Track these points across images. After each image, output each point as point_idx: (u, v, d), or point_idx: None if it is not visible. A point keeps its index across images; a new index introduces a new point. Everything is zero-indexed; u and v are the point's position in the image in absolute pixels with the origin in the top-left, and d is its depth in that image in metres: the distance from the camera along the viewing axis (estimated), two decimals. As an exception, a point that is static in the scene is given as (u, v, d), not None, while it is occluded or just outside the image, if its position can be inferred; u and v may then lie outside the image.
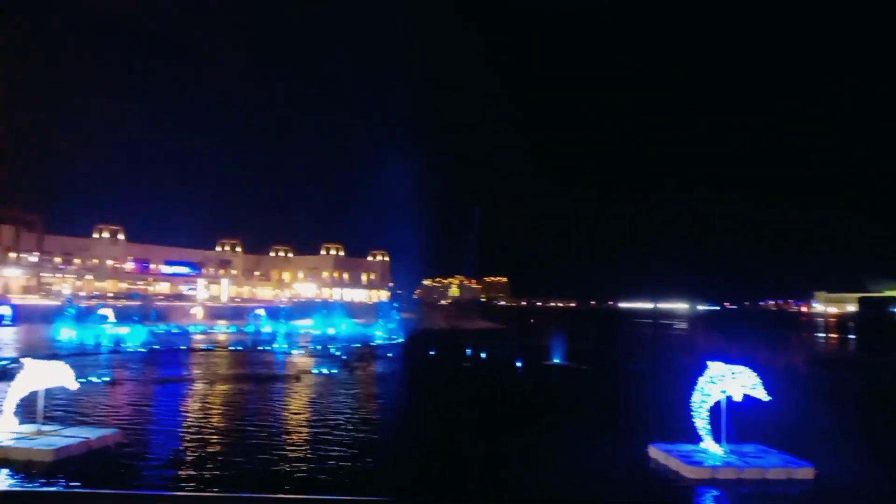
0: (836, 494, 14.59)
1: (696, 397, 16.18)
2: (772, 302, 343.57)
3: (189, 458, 15.90)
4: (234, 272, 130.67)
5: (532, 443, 18.77)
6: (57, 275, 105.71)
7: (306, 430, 19.90)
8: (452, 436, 19.74)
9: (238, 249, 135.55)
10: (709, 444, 16.05)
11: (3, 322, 64.61)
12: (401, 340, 57.13)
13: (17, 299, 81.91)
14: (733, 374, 15.89)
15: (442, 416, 23.01)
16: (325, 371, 33.22)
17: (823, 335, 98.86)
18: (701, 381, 16.16)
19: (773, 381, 16.32)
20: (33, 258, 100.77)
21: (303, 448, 17.41)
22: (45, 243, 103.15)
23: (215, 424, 20.34)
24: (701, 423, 16.12)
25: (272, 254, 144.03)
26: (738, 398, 15.79)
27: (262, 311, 78.78)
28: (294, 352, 44.67)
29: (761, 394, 15.70)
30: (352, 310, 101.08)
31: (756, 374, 16.22)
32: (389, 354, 45.61)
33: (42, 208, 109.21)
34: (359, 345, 51.32)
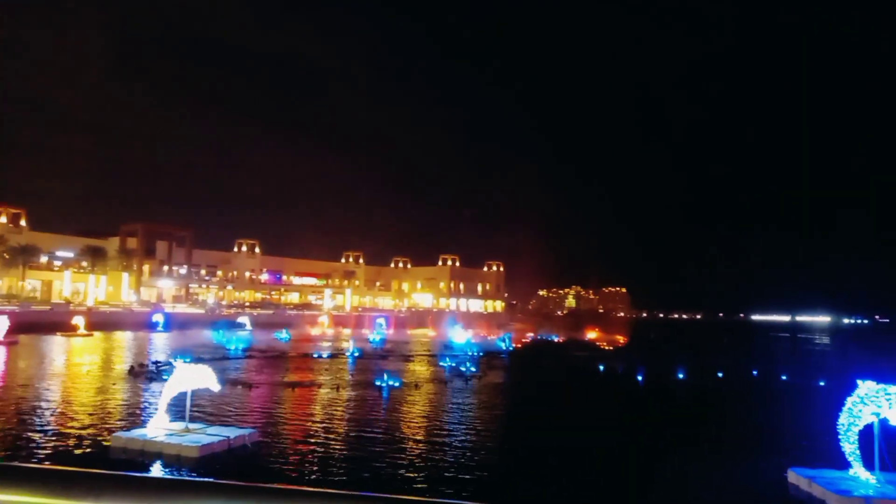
0: None
1: (843, 419, 14.69)
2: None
3: (313, 458, 16.78)
4: (357, 282, 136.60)
5: (662, 464, 17.92)
6: (203, 285, 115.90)
7: (420, 436, 20.34)
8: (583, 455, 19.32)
9: (360, 261, 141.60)
10: (859, 471, 14.52)
11: (158, 328, 71.56)
12: (511, 350, 56.82)
13: (168, 307, 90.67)
14: (888, 394, 14.30)
15: (556, 438, 22.58)
16: (442, 380, 33.76)
17: None
18: (850, 401, 14.68)
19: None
20: (183, 270, 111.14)
21: (415, 453, 17.82)
22: (193, 257, 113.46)
23: (340, 426, 21.29)
24: (849, 447, 14.63)
25: (392, 265, 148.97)
26: (894, 421, 14.18)
27: (382, 320, 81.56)
28: (413, 360, 45.80)
29: (921, 417, 14.01)
30: (468, 319, 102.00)
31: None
32: (502, 365, 45.48)
33: (191, 225, 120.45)
34: (474, 354, 51.65)
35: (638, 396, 32.82)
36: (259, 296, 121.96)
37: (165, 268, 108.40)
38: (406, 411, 25.31)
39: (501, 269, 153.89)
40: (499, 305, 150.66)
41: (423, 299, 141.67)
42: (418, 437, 20.20)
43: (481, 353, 52.57)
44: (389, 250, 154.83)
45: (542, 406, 28.98)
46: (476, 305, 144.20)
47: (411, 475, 15.71)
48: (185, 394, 18.05)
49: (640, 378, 37.70)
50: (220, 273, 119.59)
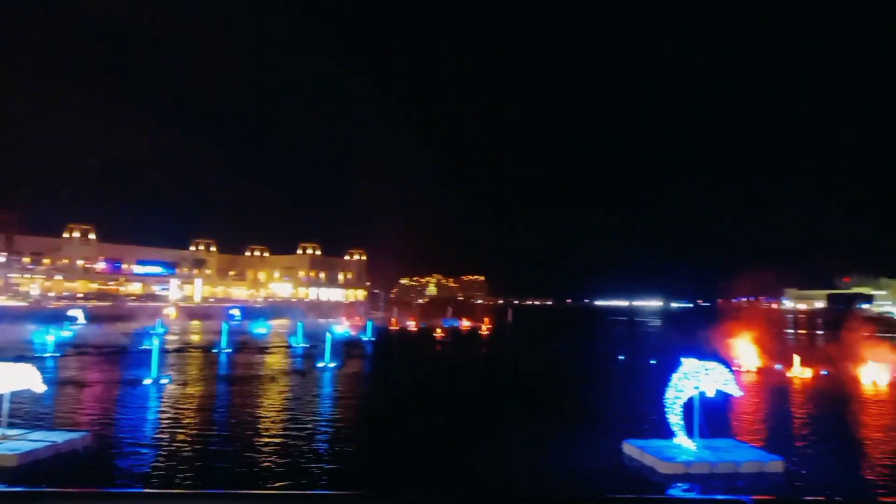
0: (805, 486, 14.86)
1: (669, 393, 16.35)
2: (744, 299, 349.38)
3: (156, 461, 15.64)
4: (208, 272, 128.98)
5: (507, 440, 18.78)
6: (26, 275, 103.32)
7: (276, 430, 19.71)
8: (444, 433, 19.69)
9: (212, 249, 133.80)
10: (682, 440, 16.22)
11: (-31, 324, 62.82)
12: (371, 340, 56.80)
13: (-18, 300, 79.84)
14: (706, 370, 16.10)
15: (406, 415, 22.93)
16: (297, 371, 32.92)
17: (792, 331, 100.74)
18: (674, 377, 16.34)
19: (744, 378, 16.57)
20: (1, 258, 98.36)
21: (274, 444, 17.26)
22: (14, 243, 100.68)
23: (187, 426, 20.00)
24: (674, 419, 16.29)
25: (247, 253, 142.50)
26: (710, 394, 16.01)
27: (236, 312, 77.91)
28: (269, 352, 44.19)
29: (734, 389, 15.94)
30: (328, 309, 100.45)
31: (728, 370, 16.47)
32: (359, 354, 45.30)
33: (14, 207, 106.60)
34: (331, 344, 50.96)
35: (490, 377, 34.20)
36: (95, 286, 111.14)
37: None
38: (260, 405, 24.36)
39: (363, 257, 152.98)
40: (360, 294, 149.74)
41: (282, 289, 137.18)
42: (271, 431, 19.52)
43: (343, 343, 51.97)
44: (245, 238, 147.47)
45: (402, 393, 29.25)
46: (337, 294, 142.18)
47: (263, 472, 15.15)
48: (1, 397, 15.98)
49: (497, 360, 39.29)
50: (47, 261, 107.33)
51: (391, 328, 64.74)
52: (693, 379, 16.07)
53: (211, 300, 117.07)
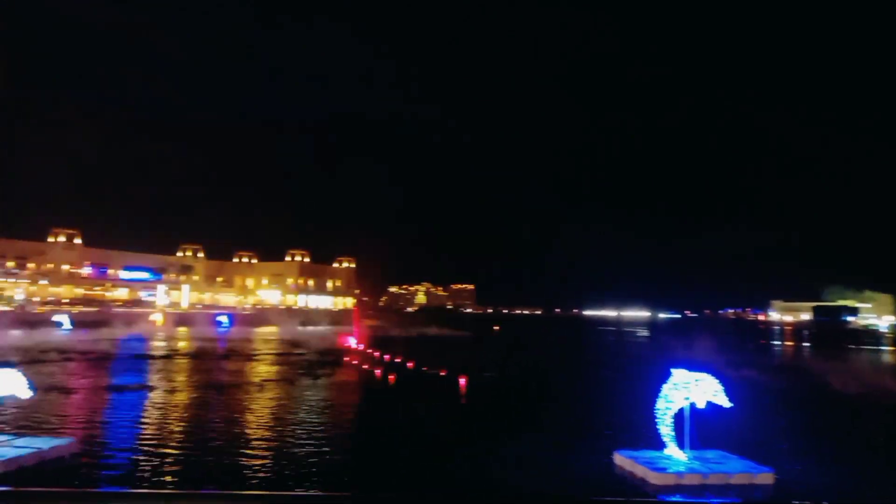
0: (796, 497, 14.92)
1: (660, 404, 16.38)
2: (731, 310, 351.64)
3: (143, 468, 15.44)
4: (195, 278, 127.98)
5: (497, 451, 18.72)
6: (10, 279, 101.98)
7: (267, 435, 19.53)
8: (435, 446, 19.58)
9: (200, 255, 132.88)
10: (673, 451, 16.25)
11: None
12: (359, 348, 56.57)
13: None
14: (696, 381, 16.15)
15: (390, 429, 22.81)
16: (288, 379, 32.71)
17: (779, 342, 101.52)
18: (665, 388, 16.37)
19: (733, 388, 16.64)
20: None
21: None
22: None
23: (176, 432, 19.77)
24: (665, 429, 16.32)
25: (235, 260, 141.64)
26: (701, 405, 16.06)
27: (224, 318, 77.41)
28: (258, 359, 43.88)
29: (723, 400, 15.99)
30: (316, 316, 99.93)
31: (718, 380, 16.54)
32: (348, 363, 45.10)
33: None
34: (320, 352, 50.71)
35: (481, 388, 34.11)
36: (80, 292, 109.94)
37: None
38: (249, 413, 24.15)
39: (352, 265, 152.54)
40: (349, 302, 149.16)
41: (270, 296, 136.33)
42: (258, 439, 19.34)
43: (328, 352, 51.71)
44: (232, 244, 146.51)
45: (393, 401, 29.09)
46: (326, 302, 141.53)
47: (252, 478, 14.99)
48: (-15, 403, 15.74)
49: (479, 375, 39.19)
50: (31, 266, 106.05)
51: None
52: (683, 389, 16.12)
53: (198, 306, 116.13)
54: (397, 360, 43.16)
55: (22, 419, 19.95)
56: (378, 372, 36.76)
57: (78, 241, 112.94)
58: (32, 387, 16.36)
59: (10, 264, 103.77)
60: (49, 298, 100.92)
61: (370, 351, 50.61)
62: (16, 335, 51.48)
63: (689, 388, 16.09)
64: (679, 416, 16.31)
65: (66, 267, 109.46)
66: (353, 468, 16.84)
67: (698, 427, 16.37)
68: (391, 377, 35.45)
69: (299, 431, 20.46)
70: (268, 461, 16.76)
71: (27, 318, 69.85)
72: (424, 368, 38.98)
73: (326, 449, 18.40)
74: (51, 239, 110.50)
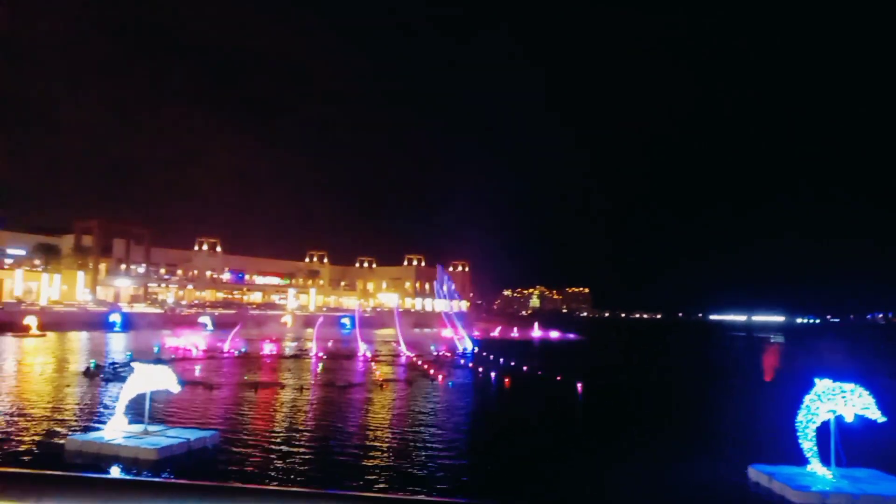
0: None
1: (801, 416, 15.07)
2: (881, 315, 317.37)
3: (276, 460, 16.47)
4: (321, 282, 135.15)
5: (611, 464, 18.11)
6: (162, 284, 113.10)
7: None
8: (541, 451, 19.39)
9: (325, 260, 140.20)
10: (816, 468, 14.91)
11: (115, 328, 69.53)
12: (474, 350, 56.95)
13: (126, 307, 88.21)
14: (843, 392, 14.73)
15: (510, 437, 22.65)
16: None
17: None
18: (807, 399, 15.06)
19: (887, 401, 15.03)
20: (141, 269, 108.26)
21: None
22: (151, 255, 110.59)
23: (304, 428, 20.94)
24: (807, 444, 15.01)
25: (357, 264, 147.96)
26: (849, 418, 14.60)
27: (346, 320, 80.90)
28: (378, 360, 45.51)
29: (875, 414, 14.45)
30: (431, 319, 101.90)
31: (869, 392, 14.99)
32: (463, 365, 45.55)
33: (150, 222, 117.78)
34: (438, 354, 51.59)
35: (600, 398, 33.21)
36: (221, 295, 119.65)
37: (123, 266, 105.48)
38: (374, 412, 25.09)
39: (467, 269, 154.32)
40: (464, 305, 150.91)
41: (389, 299, 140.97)
42: (385, 438, 20.00)
43: (444, 354, 52.57)
44: (354, 250, 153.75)
45: (505, 408, 29.06)
46: (442, 305, 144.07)
47: (376, 477, 15.53)
48: (143, 395, 17.52)
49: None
50: (179, 272, 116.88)
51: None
52: (828, 401, 14.75)
53: (324, 309, 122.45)
54: (512, 363, 43.06)
55: (173, 412, 21.97)
56: (493, 374, 36.86)
57: (219, 248, 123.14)
58: (181, 382, 18.01)
59: (162, 271, 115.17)
60: (194, 301, 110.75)
61: (485, 354, 50.92)
62: (166, 334, 56.80)
63: (836, 400, 14.71)
64: (823, 431, 14.95)
65: (208, 273, 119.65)
66: (469, 470, 16.97)
67: (845, 443, 14.92)
68: (506, 380, 35.41)
69: (417, 431, 20.95)
70: (386, 461, 17.29)
71: (176, 320, 77.00)
72: (539, 372, 38.56)
73: (440, 448, 18.70)
74: (196, 247, 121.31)
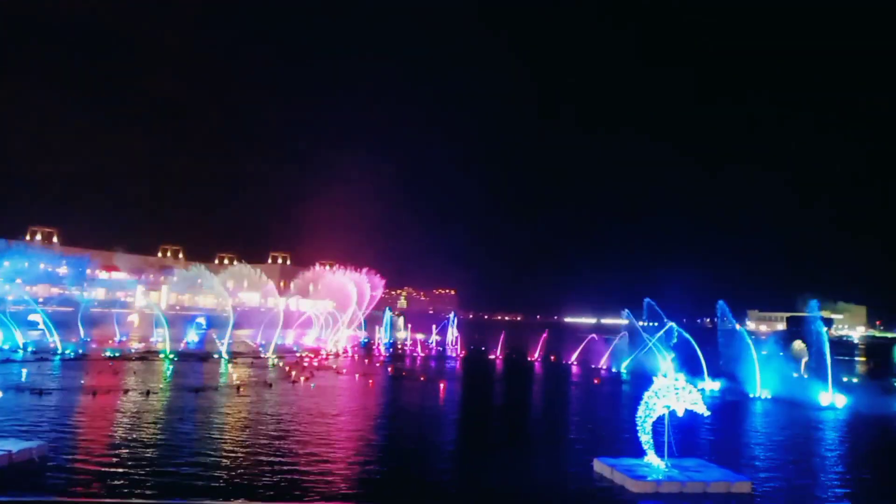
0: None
1: (641, 412, 16.43)
2: (707, 319, 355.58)
3: (113, 473, 15.12)
4: (174, 279, 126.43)
5: (476, 459, 18.63)
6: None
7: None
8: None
9: (180, 256, 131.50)
10: (652, 459, 16.30)
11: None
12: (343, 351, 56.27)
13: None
14: (676, 389, 16.25)
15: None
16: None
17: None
18: (646, 395, 16.44)
19: (713, 398, 16.77)
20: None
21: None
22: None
23: (146, 436, 19.40)
24: (645, 437, 16.36)
25: (216, 261, 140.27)
26: (680, 413, 16.15)
27: (202, 320, 76.58)
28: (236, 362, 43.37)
29: (702, 409, 16.09)
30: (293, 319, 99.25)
31: (697, 389, 16.64)
32: (329, 367, 44.81)
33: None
34: (301, 356, 50.33)
35: (461, 397, 34.03)
36: (56, 291, 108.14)
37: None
38: (227, 417, 23.82)
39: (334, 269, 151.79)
40: (330, 305, 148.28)
41: (250, 298, 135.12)
42: (232, 445, 19.04)
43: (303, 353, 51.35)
44: (213, 246, 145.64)
45: (365, 409, 28.89)
46: (307, 306, 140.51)
47: (221, 487, 14.76)
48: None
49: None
50: (6, 263, 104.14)
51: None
52: (664, 398, 16.19)
53: (177, 308, 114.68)
54: (377, 364, 42.90)
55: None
56: (357, 376, 36.52)
57: (55, 239, 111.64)
58: (3, 387, 15.97)
59: None
60: (23, 297, 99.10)
61: (352, 355, 50.27)
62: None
63: (670, 396, 16.17)
64: (658, 425, 16.37)
65: (42, 266, 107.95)
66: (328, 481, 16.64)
67: (677, 436, 16.44)
68: (371, 382, 35.19)
69: (267, 444, 20.20)
70: (227, 477, 16.49)
71: None
72: (403, 373, 38.84)
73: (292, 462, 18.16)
74: (27, 238, 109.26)
